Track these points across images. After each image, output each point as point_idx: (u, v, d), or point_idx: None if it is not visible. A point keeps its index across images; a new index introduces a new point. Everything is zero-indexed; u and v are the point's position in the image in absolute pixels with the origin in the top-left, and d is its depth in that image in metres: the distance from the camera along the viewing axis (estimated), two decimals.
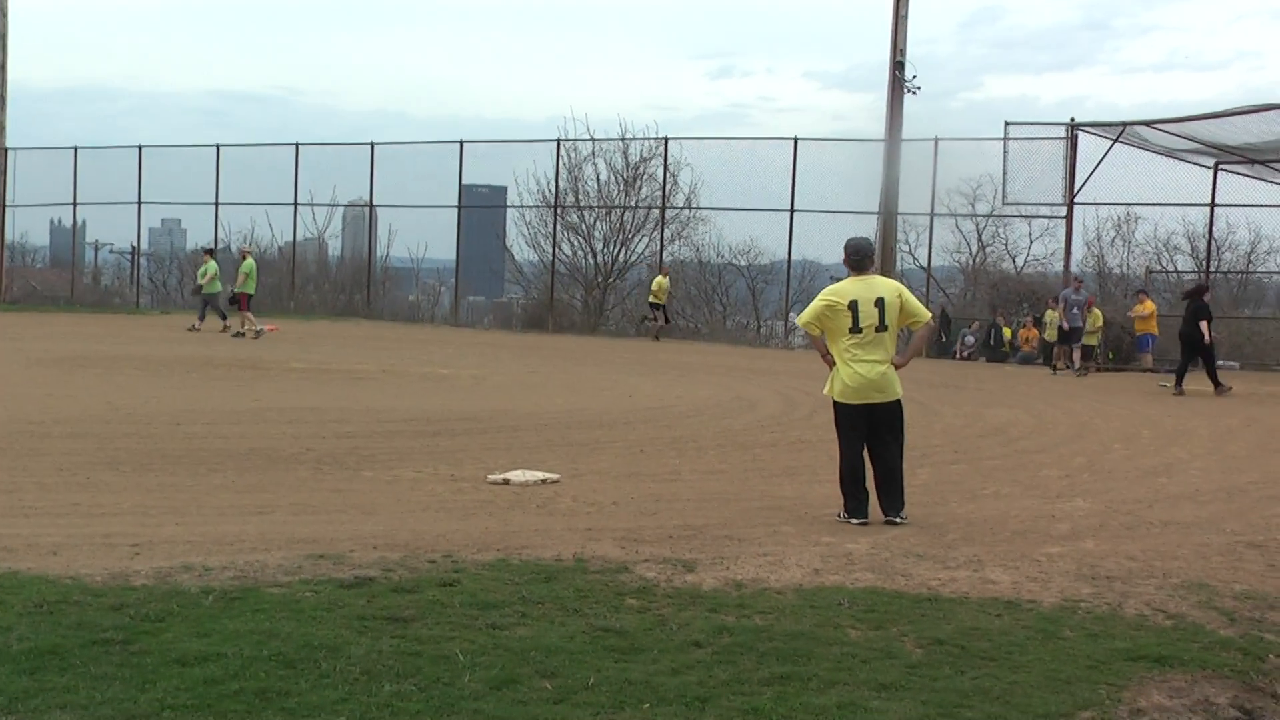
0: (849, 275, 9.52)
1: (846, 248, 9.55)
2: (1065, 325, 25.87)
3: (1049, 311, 30.25)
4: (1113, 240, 35.39)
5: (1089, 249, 34.64)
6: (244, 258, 30.53)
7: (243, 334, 28.36)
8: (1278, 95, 29.78)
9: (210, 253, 32.83)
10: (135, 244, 44.13)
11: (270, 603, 6.37)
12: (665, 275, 33.77)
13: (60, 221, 45.61)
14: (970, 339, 31.49)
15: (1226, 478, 12.14)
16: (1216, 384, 21.65)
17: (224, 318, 30.46)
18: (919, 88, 29.87)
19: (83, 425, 13.08)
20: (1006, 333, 31.60)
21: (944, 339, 31.80)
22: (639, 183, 37.81)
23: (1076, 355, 25.32)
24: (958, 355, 31.06)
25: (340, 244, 44.83)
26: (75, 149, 42.48)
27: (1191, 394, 21.34)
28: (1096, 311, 29.01)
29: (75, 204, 43.05)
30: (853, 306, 9.29)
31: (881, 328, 9.28)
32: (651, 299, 33.65)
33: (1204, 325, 21.71)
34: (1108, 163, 28.34)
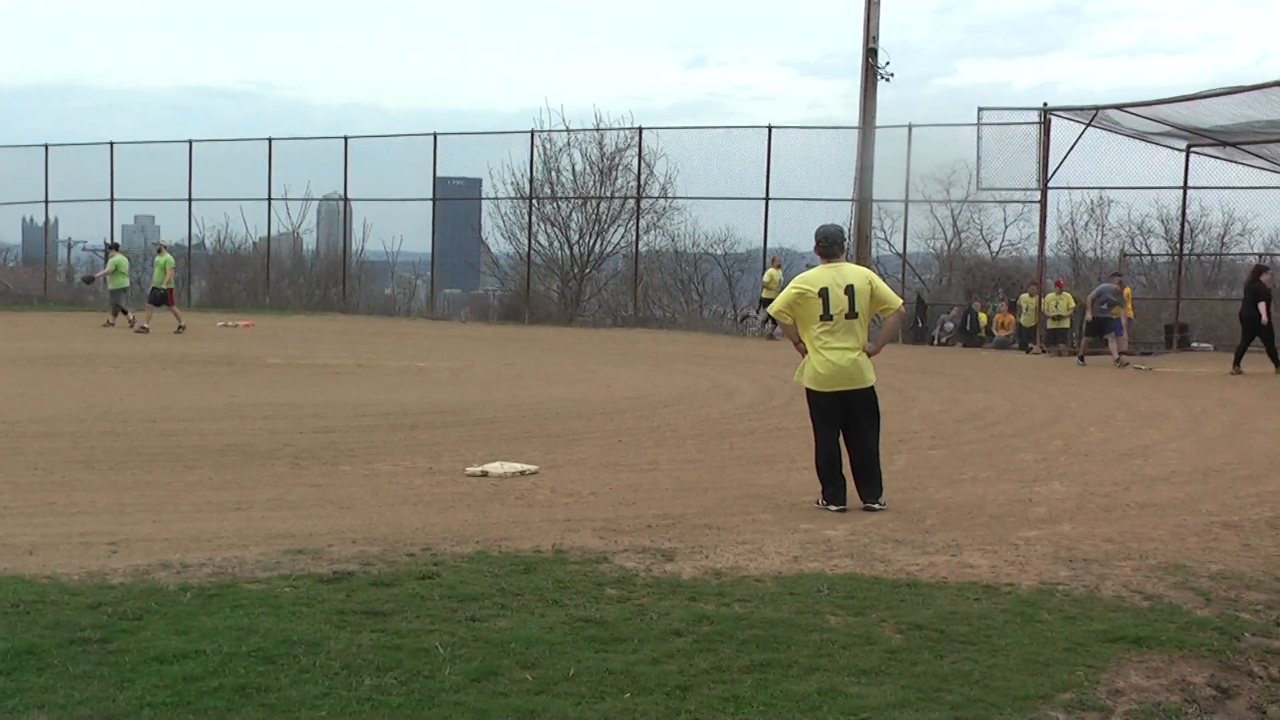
0: (820, 263, 9.55)
1: (817, 235, 9.57)
2: (1091, 316, 25.26)
3: (1024, 296, 30.39)
4: (1086, 224, 35.55)
5: (1062, 233, 34.79)
6: (160, 252, 29.84)
7: (146, 329, 27.97)
8: (1248, 78, 29.85)
9: (115, 247, 32.45)
10: (108, 241, 43.89)
11: (249, 599, 6.36)
12: (778, 267, 31.38)
13: (32, 220, 45.40)
14: (949, 325, 31.58)
15: (1202, 459, 12.20)
16: (1277, 365, 21.82)
17: (119, 314, 29.87)
18: (892, 74, 29.86)
19: (58, 424, 13.02)
20: (983, 318, 31.70)
21: (920, 325, 31.88)
22: (614, 173, 37.76)
23: (1114, 345, 24.89)
24: (936, 341, 31.14)
25: (315, 238, 44.76)
26: (46, 146, 42.26)
27: (1175, 375, 21.44)
28: (1067, 295, 29.12)
29: (47, 202, 42.83)
30: (823, 294, 9.30)
31: (852, 315, 9.29)
32: (765, 294, 31.37)
33: (1262, 307, 21.89)
34: (1081, 147, 28.41)
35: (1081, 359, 24.69)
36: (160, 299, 28.87)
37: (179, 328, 28.09)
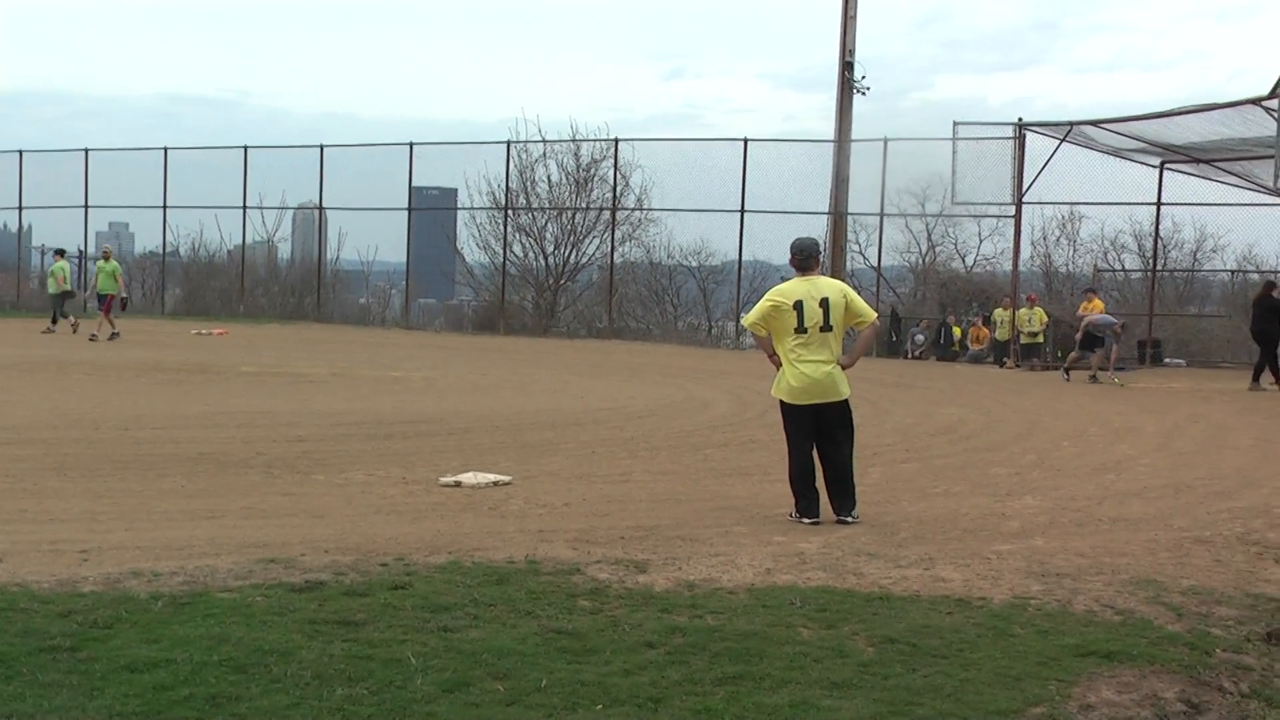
0: (795, 275, 9.57)
1: (792, 248, 9.61)
2: (1081, 335, 24.61)
3: (998, 310, 30.48)
4: (1058, 239, 35.69)
5: (1034, 248, 34.90)
6: (105, 258, 29.72)
7: (96, 337, 27.82)
8: (1223, 95, 30.04)
9: (60, 253, 32.48)
10: (82, 248, 43.74)
11: (220, 608, 6.33)
12: (1033, 304, 29.52)
13: (5, 226, 45.19)
14: (919, 337, 31.67)
15: (1174, 474, 12.25)
16: (1277, 379, 22.07)
17: (55, 320, 29.98)
18: (868, 88, 30.08)
19: (30, 431, 12.96)
20: (956, 332, 31.80)
21: (895, 338, 31.97)
22: (590, 184, 37.81)
23: (1095, 359, 24.47)
24: (908, 354, 31.22)
25: (290, 247, 44.68)
26: (20, 152, 42.17)
27: (1148, 389, 21.54)
28: (1040, 310, 29.22)
29: (21, 208, 42.73)
30: (798, 306, 9.32)
31: (826, 328, 9.31)
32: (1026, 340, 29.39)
33: None
34: (1055, 162, 28.54)
35: (1066, 373, 24.53)
36: (107, 305, 28.71)
37: (112, 334, 27.81)
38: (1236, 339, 31.35)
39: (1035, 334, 28.97)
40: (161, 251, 42.70)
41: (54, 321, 29.92)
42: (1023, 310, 29.28)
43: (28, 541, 7.93)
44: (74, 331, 28.92)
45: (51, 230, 44.26)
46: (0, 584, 6.72)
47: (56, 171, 41.99)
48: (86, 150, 41.47)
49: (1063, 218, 34.82)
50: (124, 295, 29.61)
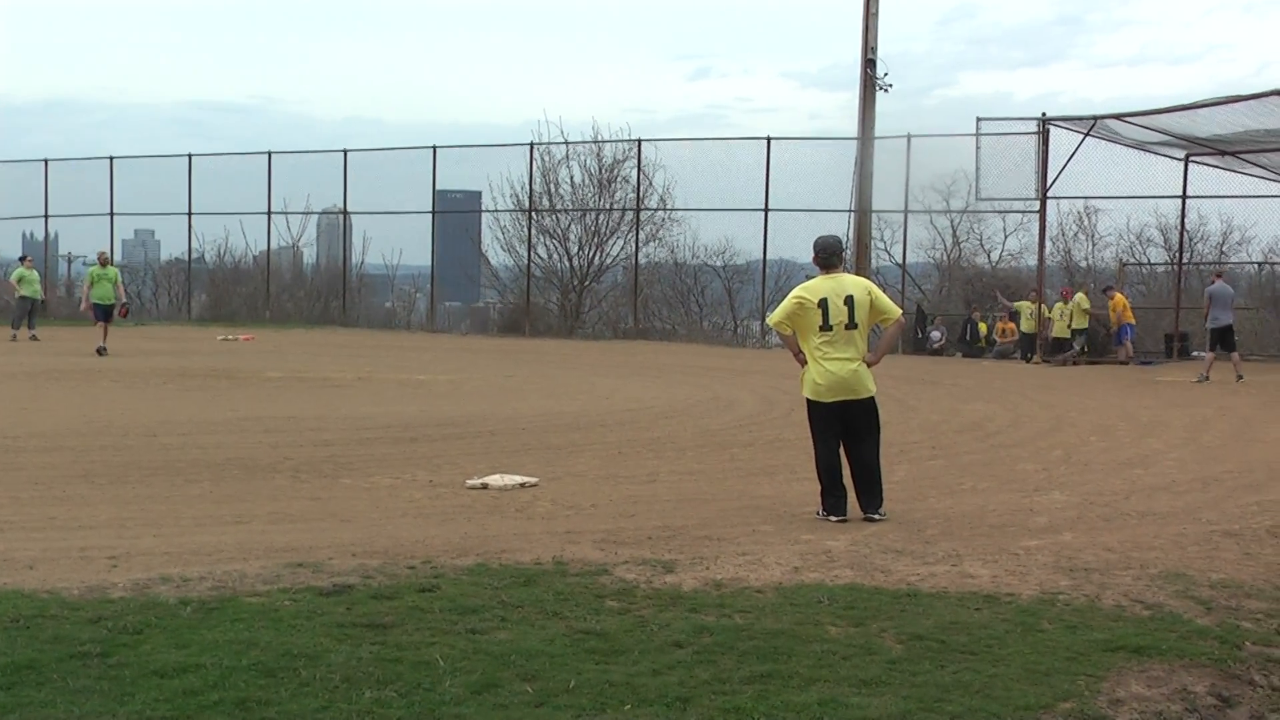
0: (819, 273, 9.56)
1: (815, 246, 9.60)
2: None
3: (1024, 303, 30.40)
4: (1075, 234, 35.52)
5: (1053, 244, 34.71)
6: (103, 264, 27.43)
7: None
8: (1249, 87, 29.75)
9: (23, 260, 32.49)
10: (108, 256, 43.85)
11: (249, 612, 6.35)
12: (1084, 292, 29.85)
13: (32, 234, 45.41)
14: (935, 334, 31.59)
15: (1202, 468, 12.20)
16: None
17: (16, 327, 29.71)
18: (891, 85, 29.89)
19: (58, 438, 13.02)
20: (982, 327, 31.73)
21: (920, 335, 31.90)
22: (613, 185, 37.80)
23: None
24: (929, 350, 31.17)
25: (315, 252, 44.84)
26: (46, 161, 42.39)
27: (1174, 383, 21.43)
28: (1080, 298, 29.10)
29: (47, 216, 42.93)
30: (823, 304, 9.31)
31: (851, 325, 9.30)
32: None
33: None
34: (1080, 156, 28.44)
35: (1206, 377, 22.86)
36: (109, 315, 26.47)
37: (101, 348, 25.50)
38: (1264, 332, 31.20)
39: (1078, 329, 28.88)
40: (187, 258, 42.87)
41: (15, 327, 29.73)
42: (1057, 305, 29.26)
43: (57, 548, 7.97)
44: (12, 339, 28.69)
45: (77, 238, 44.61)
46: (30, 591, 6.75)
47: (82, 179, 42.26)
48: (111, 158, 41.71)
49: (1078, 213, 34.68)
50: (124, 301, 27.82)
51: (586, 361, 26.34)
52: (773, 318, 9.85)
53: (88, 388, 18.71)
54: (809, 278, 9.92)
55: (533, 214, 37.93)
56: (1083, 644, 6.08)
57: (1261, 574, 7.69)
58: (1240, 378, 22.40)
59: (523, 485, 10.63)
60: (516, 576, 7.24)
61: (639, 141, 36.53)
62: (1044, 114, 28.82)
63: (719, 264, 37.91)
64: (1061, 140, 28.60)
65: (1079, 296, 29.20)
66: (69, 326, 33.80)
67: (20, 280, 30.68)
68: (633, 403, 17.72)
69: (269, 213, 40.58)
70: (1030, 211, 31.10)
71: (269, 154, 40.04)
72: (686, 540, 8.48)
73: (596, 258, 38.43)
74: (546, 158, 37.86)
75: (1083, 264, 35.86)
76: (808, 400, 9.55)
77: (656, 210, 36.87)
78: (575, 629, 6.17)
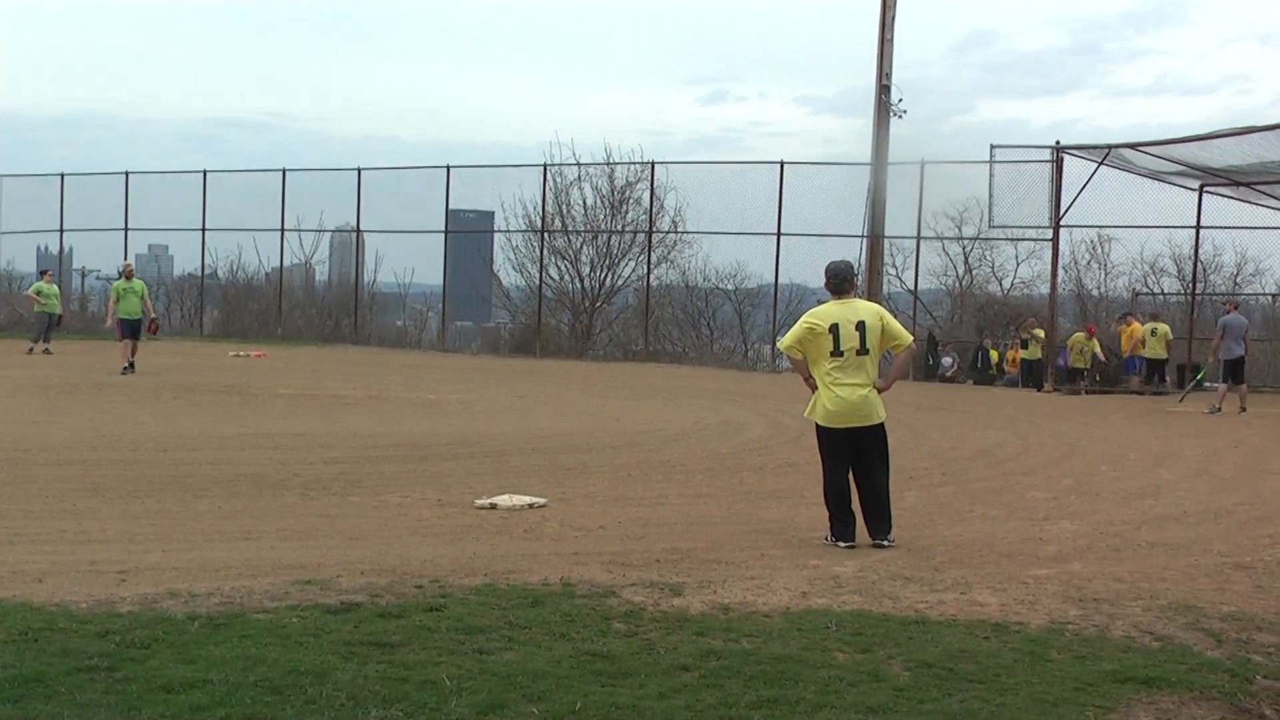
0: (831, 299, 9.56)
1: (827, 271, 9.61)
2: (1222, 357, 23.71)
3: (1039, 330, 30.35)
4: (1088, 263, 35.45)
5: (1065, 273, 34.64)
6: (128, 277, 25.40)
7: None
8: (1266, 118, 29.68)
9: (44, 274, 32.57)
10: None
11: (256, 629, 6.35)
12: (1091, 336, 29.86)
13: (47, 248, 45.50)
14: (946, 360, 31.56)
15: (1213, 499, 12.16)
16: None
17: (37, 340, 29.98)
18: (905, 111, 29.92)
19: (69, 452, 13.04)
20: (993, 355, 31.68)
21: (931, 362, 31.86)
22: (625, 206, 37.83)
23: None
24: (943, 377, 31.14)
25: (327, 269, 44.78)
26: (62, 175, 42.49)
27: (1186, 414, 21.38)
28: (1095, 343, 29.18)
29: (62, 230, 43.00)
30: (834, 330, 9.31)
31: (863, 351, 9.30)
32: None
33: None
34: (1093, 185, 28.41)
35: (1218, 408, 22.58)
36: (136, 331, 24.82)
37: (127, 366, 24.31)
38: (1278, 364, 31.08)
39: (1087, 359, 29.03)
40: (200, 274, 42.94)
41: (36, 340, 29.97)
42: (1079, 335, 29.28)
43: (66, 562, 7.98)
44: (29, 353, 28.99)
45: (92, 253, 44.66)
46: (39, 604, 6.77)
47: (97, 194, 42.29)
48: (127, 173, 41.80)
49: (1091, 241, 34.63)
50: (154, 316, 26.69)
51: (597, 383, 26.34)
52: (784, 342, 9.84)
53: (99, 402, 18.74)
54: (820, 302, 9.92)
55: (545, 235, 37.93)
56: (1091, 675, 6.06)
57: (1273, 607, 7.66)
58: (1243, 409, 22.33)
59: (531, 506, 10.63)
60: (524, 597, 7.24)
61: (652, 164, 36.54)
62: (1058, 142, 28.79)
63: (730, 287, 37.88)
64: (1075, 169, 28.57)
65: (1159, 326, 28.90)
66: (82, 340, 33.89)
67: (40, 294, 30.81)
68: (642, 425, 17.71)
69: (282, 230, 40.60)
70: (1043, 240, 31.05)
71: (284, 171, 40.11)
72: (694, 563, 8.47)
73: (608, 279, 38.42)
74: (559, 179, 37.88)
75: (1094, 293, 35.79)
76: (817, 425, 9.54)
77: (668, 233, 36.88)
78: (582, 650, 6.17)
